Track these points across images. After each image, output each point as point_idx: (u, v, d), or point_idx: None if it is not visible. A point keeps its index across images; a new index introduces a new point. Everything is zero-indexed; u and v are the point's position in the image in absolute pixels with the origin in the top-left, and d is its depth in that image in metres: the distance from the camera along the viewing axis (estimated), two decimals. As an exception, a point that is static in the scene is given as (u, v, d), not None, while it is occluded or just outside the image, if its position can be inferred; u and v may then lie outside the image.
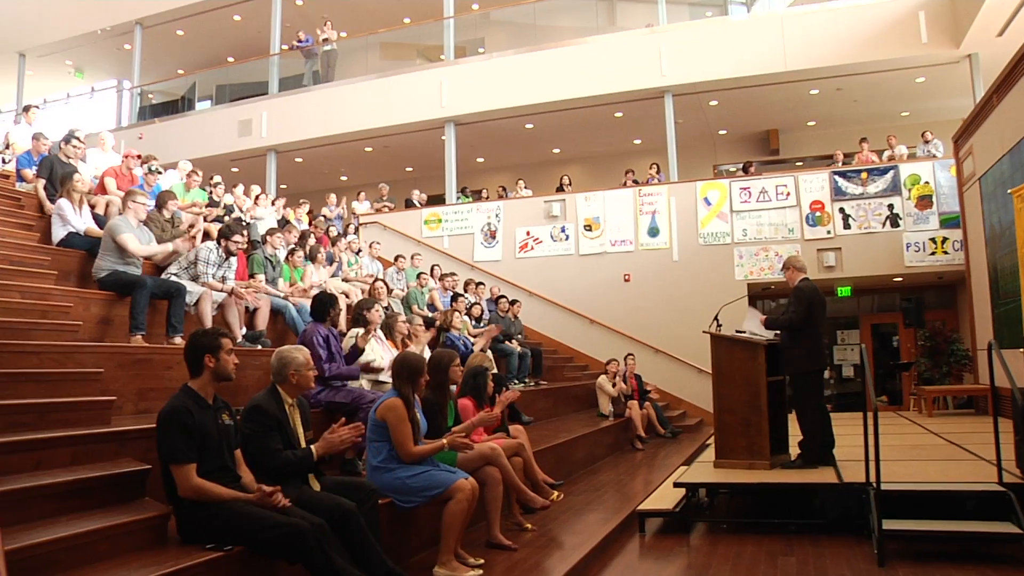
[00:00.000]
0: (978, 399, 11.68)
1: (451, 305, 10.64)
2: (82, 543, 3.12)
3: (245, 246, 7.64)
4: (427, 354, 6.05)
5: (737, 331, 6.90)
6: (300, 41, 17.90)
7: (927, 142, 13.80)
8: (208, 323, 6.44)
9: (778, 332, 6.82)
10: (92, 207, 7.55)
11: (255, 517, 3.40)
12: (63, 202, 6.86)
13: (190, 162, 11.22)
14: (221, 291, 6.87)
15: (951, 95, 14.63)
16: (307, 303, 7.31)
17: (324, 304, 5.99)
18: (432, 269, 12.73)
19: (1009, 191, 9.04)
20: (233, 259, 7.23)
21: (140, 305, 5.91)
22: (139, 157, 9.48)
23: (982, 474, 5.68)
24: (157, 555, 3.28)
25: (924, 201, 12.90)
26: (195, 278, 6.83)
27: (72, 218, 6.83)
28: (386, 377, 6.13)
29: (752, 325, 6.90)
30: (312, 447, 3.98)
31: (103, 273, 6.15)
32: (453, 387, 5.88)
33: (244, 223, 10.18)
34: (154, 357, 5.48)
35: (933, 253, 12.64)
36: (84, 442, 3.82)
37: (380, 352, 6.35)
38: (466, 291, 12.31)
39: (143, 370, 5.34)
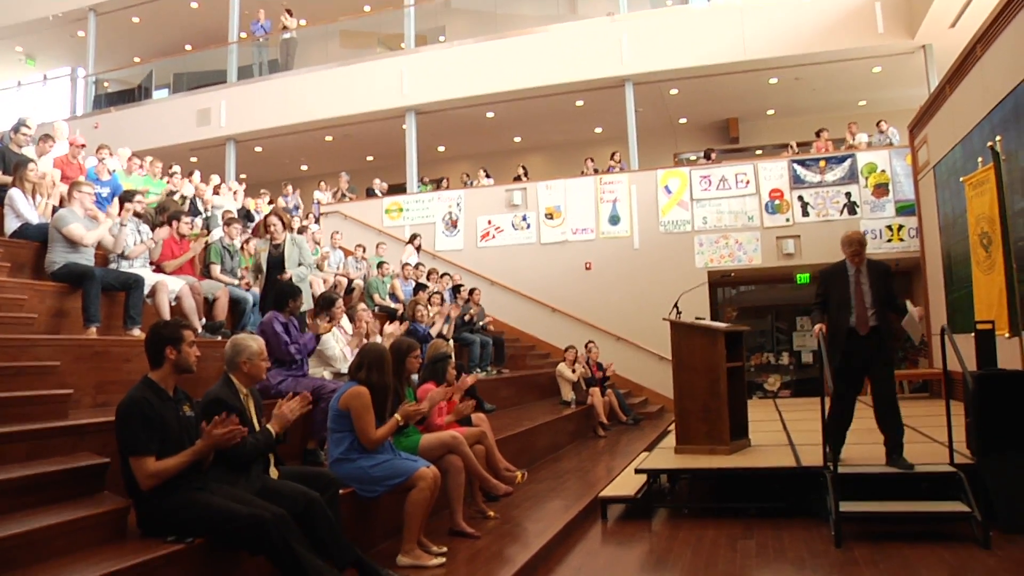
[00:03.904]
0: (932, 383, 11.93)
1: (414, 295, 10.61)
2: (39, 539, 3.08)
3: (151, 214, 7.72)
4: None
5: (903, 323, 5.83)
6: (256, 22, 17.70)
7: (881, 132, 14.00)
8: (166, 314, 6.38)
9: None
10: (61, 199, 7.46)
11: (216, 508, 3.38)
12: (15, 192, 6.72)
13: (130, 150, 11.32)
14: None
15: (907, 85, 14.83)
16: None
17: (285, 294, 5.95)
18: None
19: (961, 179, 9.21)
20: (142, 224, 7.26)
21: (92, 297, 5.82)
22: (83, 146, 9.35)
23: (935, 456, 5.81)
24: (117, 549, 3.25)
25: (880, 189, 13.10)
26: (123, 254, 6.80)
27: (24, 209, 6.68)
28: (344, 368, 6.16)
29: (913, 323, 5.73)
30: (268, 426, 3.97)
31: (56, 266, 6.05)
32: (414, 377, 5.91)
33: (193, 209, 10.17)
34: (112, 349, 5.41)
35: (889, 240, 12.86)
36: (41, 436, 3.77)
37: (333, 343, 6.39)
38: (428, 280, 12.29)
39: (101, 363, 5.28)
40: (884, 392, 5.78)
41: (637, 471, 6.43)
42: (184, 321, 3.86)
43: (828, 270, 6.09)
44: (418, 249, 13.71)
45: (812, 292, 14.34)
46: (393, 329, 7.67)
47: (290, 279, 6.84)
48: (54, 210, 6.82)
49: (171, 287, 6.71)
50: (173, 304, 6.69)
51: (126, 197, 7.29)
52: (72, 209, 6.39)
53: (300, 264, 7.31)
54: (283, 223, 7.55)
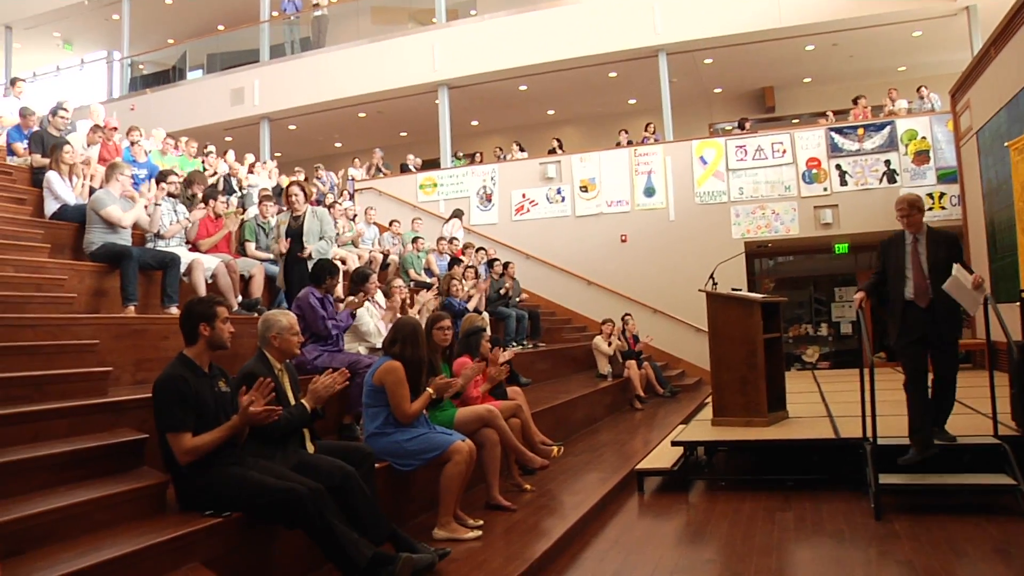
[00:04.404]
0: (975, 353, 11.70)
1: (449, 270, 10.61)
2: (81, 512, 3.13)
3: (178, 189, 7.69)
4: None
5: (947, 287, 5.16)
6: (287, 1, 17.72)
7: (922, 98, 13.70)
8: (202, 292, 6.45)
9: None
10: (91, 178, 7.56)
11: (253, 483, 3.41)
12: (52, 174, 6.82)
13: (164, 130, 11.51)
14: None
15: (948, 48, 14.49)
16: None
17: (323, 270, 5.96)
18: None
19: (1006, 144, 8.99)
20: (178, 204, 7.34)
21: (129, 276, 5.91)
22: (115, 129, 9.47)
23: (978, 427, 5.70)
24: (156, 523, 3.30)
25: (921, 156, 12.84)
26: (159, 234, 6.90)
27: (62, 191, 6.78)
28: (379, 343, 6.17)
29: (963, 291, 5.12)
30: (303, 401, 4.01)
31: (94, 247, 6.16)
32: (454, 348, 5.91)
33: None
34: (150, 327, 5.48)
35: (931, 208, 12.59)
36: (81, 413, 3.83)
37: (368, 318, 6.41)
38: (464, 255, 12.29)
39: (139, 340, 5.35)
40: (943, 373, 5.35)
41: (674, 443, 6.40)
42: (218, 298, 3.87)
43: (886, 239, 5.63)
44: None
45: (851, 262, 14.47)
46: (428, 296, 7.68)
47: (309, 255, 6.78)
48: (91, 191, 6.91)
49: (207, 265, 6.78)
50: (209, 282, 6.76)
51: (161, 178, 7.37)
52: (109, 190, 6.48)
53: (321, 238, 7.02)
54: (304, 194, 7.28)
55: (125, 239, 6.36)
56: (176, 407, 3.41)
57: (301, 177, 13.82)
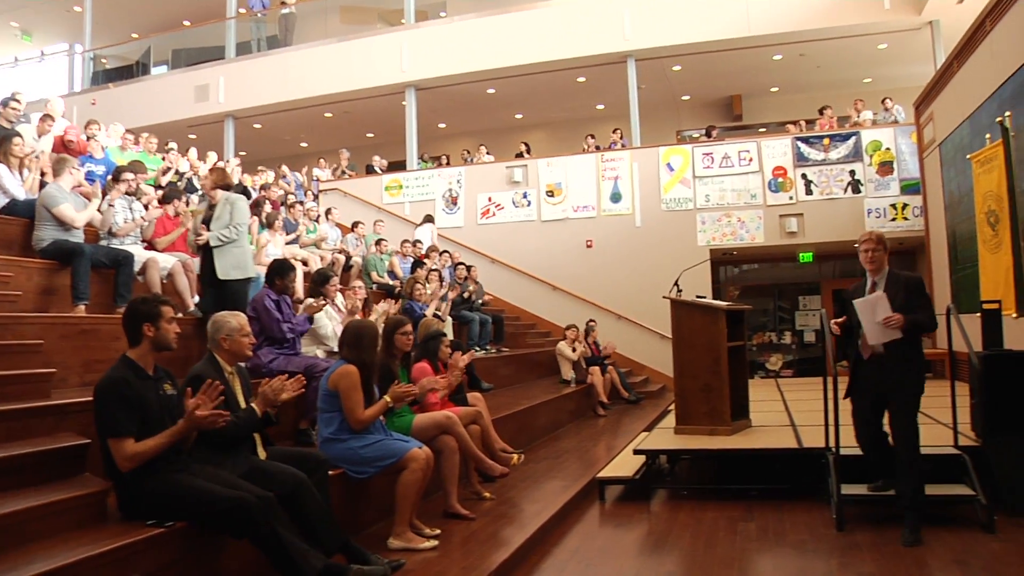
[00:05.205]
0: (936, 363, 11.79)
1: (412, 273, 10.48)
2: (14, 523, 2.97)
3: (132, 186, 7.43)
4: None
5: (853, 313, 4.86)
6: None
7: (887, 109, 13.82)
8: (158, 291, 6.26)
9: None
10: (43, 174, 7.31)
11: (198, 491, 3.28)
12: (0, 168, 6.59)
13: (123, 126, 11.34)
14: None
15: (913, 62, 14.64)
16: (263, 271, 7.11)
17: (273, 272, 5.82)
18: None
19: (968, 157, 9.07)
20: (134, 202, 7.15)
21: (81, 274, 5.70)
22: (72, 141, 9.25)
23: (939, 438, 5.69)
24: (96, 533, 3.15)
25: (885, 167, 12.94)
26: (112, 232, 6.68)
27: (10, 185, 6.53)
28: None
29: (869, 315, 4.73)
30: (252, 404, 3.88)
31: (44, 243, 5.93)
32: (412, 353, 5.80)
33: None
34: (101, 327, 5.31)
35: (894, 219, 12.71)
36: (20, 417, 3.66)
37: (326, 321, 6.29)
38: (428, 258, 12.17)
39: (89, 341, 5.17)
40: (896, 425, 4.76)
41: (635, 452, 6.35)
42: (163, 297, 3.72)
43: (849, 290, 5.15)
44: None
45: (815, 271, 14.56)
46: (386, 307, 7.54)
47: (207, 243, 6.15)
48: (41, 185, 6.69)
49: (163, 264, 6.60)
50: (165, 281, 6.58)
51: (116, 175, 7.18)
52: (60, 185, 6.24)
53: (227, 226, 6.13)
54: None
55: (77, 236, 6.14)
56: (118, 411, 3.27)
57: (270, 177, 13.60)
